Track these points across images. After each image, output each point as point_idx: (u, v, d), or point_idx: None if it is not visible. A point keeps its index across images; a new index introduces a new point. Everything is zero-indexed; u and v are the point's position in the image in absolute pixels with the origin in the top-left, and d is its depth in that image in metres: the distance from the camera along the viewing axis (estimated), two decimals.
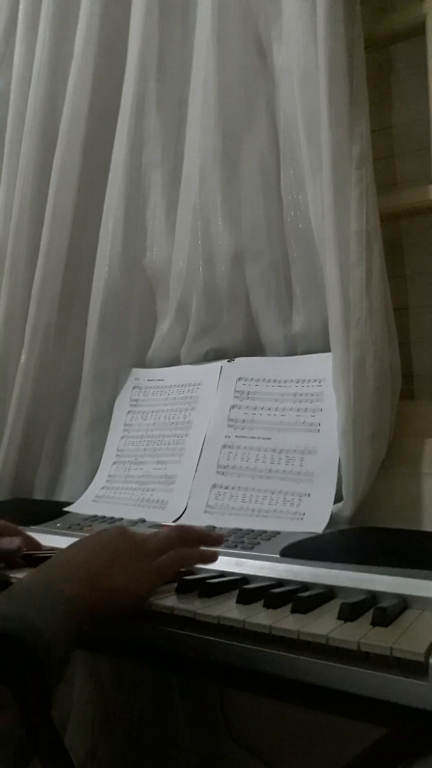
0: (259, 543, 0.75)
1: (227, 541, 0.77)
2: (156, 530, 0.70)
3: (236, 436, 0.96)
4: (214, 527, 0.84)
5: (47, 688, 0.45)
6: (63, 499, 1.13)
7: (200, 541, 0.69)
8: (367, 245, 0.88)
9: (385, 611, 0.51)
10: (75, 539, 0.83)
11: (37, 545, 0.80)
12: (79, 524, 0.92)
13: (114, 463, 1.07)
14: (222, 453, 0.96)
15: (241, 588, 0.60)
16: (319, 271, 0.97)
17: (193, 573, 0.67)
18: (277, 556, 0.70)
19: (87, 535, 0.65)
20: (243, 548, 0.74)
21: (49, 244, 1.18)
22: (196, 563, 0.66)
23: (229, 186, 1.04)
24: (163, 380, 1.11)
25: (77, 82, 1.19)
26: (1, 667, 0.43)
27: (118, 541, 0.61)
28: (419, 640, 0.47)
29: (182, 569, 0.66)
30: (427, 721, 0.45)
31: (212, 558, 0.68)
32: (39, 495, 1.19)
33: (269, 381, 0.99)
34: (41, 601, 0.50)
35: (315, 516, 0.84)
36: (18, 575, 0.71)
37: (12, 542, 0.74)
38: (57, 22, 1.26)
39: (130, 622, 0.60)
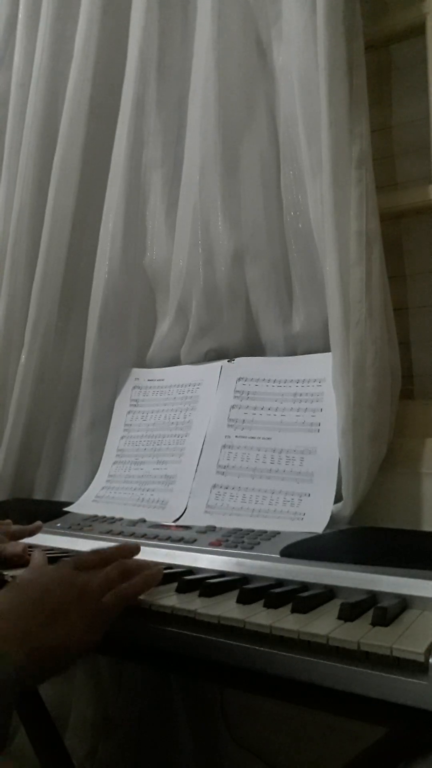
0: (259, 543, 0.75)
1: (227, 541, 0.77)
2: (103, 549, 0.65)
3: (236, 436, 0.96)
4: (214, 527, 0.84)
5: None
6: (63, 499, 1.13)
7: (140, 571, 0.63)
8: (367, 245, 0.88)
9: (385, 611, 0.51)
10: (75, 539, 0.84)
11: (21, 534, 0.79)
12: (79, 524, 0.92)
13: (114, 463, 1.07)
14: (222, 453, 0.96)
15: (241, 588, 0.60)
16: (319, 271, 0.97)
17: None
18: (277, 556, 0.70)
19: (24, 576, 0.60)
20: (243, 548, 0.73)
21: (49, 244, 1.18)
22: (142, 593, 0.60)
23: (229, 186, 1.04)
24: (163, 380, 1.11)
25: (77, 82, 1.19)
26: None
27: (58, 589, 0.56)
28: (419, 640, 0.47)
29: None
30: (427, 721, 0.45)
31: (157, 578, 0.63)
32: (39, 495, 1.19)
33: (269, 381, 0.99)
34: None
35: (315, 516, 0.84)
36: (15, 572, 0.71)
37: (16, 547, 0.73)
38: (57, 22, 1.26)
39: (130, 621, 0.60)
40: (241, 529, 0.82)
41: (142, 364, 1.16)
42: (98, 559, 0.63)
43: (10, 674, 0.46)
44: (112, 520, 0.93)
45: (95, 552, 0.64)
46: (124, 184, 1.14)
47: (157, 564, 0.65)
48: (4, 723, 0.45)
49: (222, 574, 0.68)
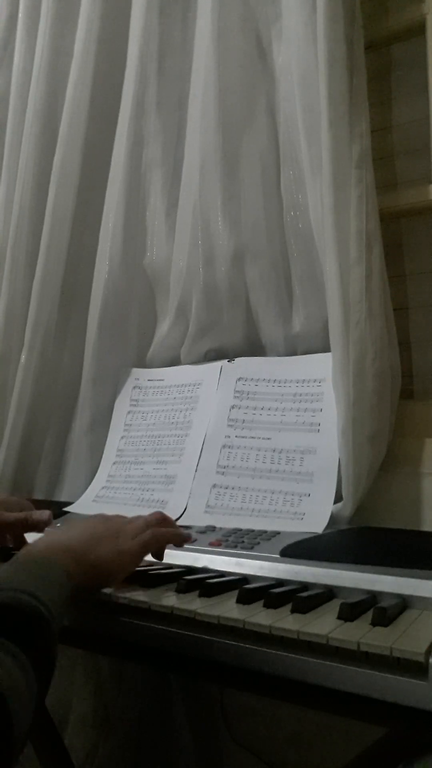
0: (259, 543, 0.75)
1: (227, 541, 0.77)
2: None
3: (236, 436, 0.96)
4: (214, 527, 0.84)
5: (52, 647, 0.51)
6: (63, 499, 1.13)
7: (175, 530, 0.76)
8: (367, 245, 0.88)
9: (385, 611, 0.51)
10: None
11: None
12: None
13: (114, 463, 1.07)
14: (222, 453, 0.96)
15: (241, 588, 0.60)
16: (319, 271, 0.97)
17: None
18: (277, 556, 0.70)
19: (75, 519, 0.74)
20: (243, 548, 0.74)
21: (49, 244, 1.18)
22: (173, 542, 0.73)
23: (229, 186, 1.04)
24: (163, 380, 1.11)
25: (77, 82, 1.19)
26: (14, 631, 0.48)
27: (99, 524, 0.69)
28: (419, 640, 0.47)
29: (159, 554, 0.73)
30: (427, 721, 0.45)
31: (186, 540, 0.75)
32: (39, 495, 1.19)
33: (269, 381, 0.99)
34: (40, 574, 0.57)
35: (315, 516, 0.84)
36: None
37: (43, 514, 0.81)
38: (57, 22, 1.26)
39: (130, 621, 0.60)
40: (241, 529, 0.82)
41: (142, 364, 1.16)
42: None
43: (64, 578, 0.58)
44: None
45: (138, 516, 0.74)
46: (124, 184, 1.14)
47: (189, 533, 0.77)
48: (62, 621, 0.55)
49: (222, 574, 0.68)
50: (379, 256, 0.90)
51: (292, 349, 1.02)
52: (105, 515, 0.72)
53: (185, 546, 0.75)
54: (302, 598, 0.56)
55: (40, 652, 0.49)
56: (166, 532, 0.72)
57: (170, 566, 0.71)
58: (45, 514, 0.81)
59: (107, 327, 1.14)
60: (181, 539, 0.74)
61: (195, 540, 0.78)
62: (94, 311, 1.15)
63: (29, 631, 0.49)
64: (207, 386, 1.04)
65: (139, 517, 0.72)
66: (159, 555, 0.72)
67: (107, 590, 0.64)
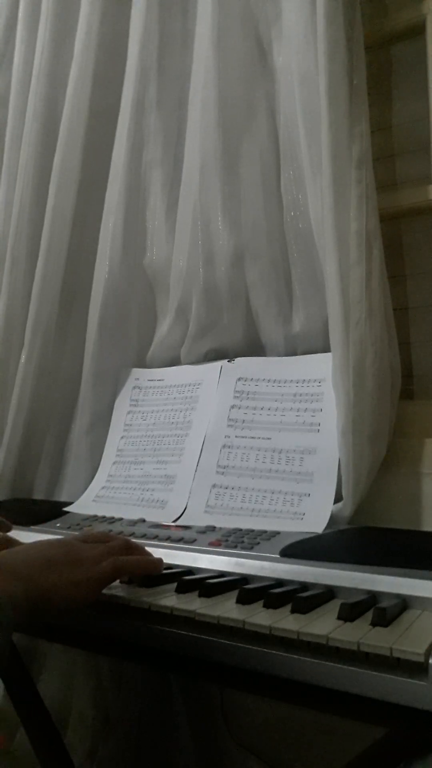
0: (259, 543, 0.75)
1: (227, 541, 0.77)
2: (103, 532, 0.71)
3: (236, 436, 0.96)
4: (214, 527, 0.84)
5: None
6: (63, 499, 1.13)
7: (140, 558, 0.68)
8: (367, 245, 0.88)
9: (385, 611, 0.51)
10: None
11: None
12: (78, 524, 0.92)
13: (114, 463, 1.07)
14: (222, 453, 0.96)
15: (241, 588, 0.60)
16: (319, 271, 0.97)
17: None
18: (277, 556, 0.70)
19: (33, 542, 0.66)
20: (243, 548, 0.73)
21: (49, 244, 1.18)
22: (137, 572, 0.65)
23: (229, 186, 1.04)
24: (163, 380, 1.11)
25: (77, 82, 1.19)
26: None
27: (55, 548, 0.62)
28: (419, 640, 0.47)
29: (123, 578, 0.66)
30: (427, 721, 0.45)
31: (156, 566, 0.67)
32: (39, 495, 1.19)
33: (269, 381, 0.99)
34: None
35: (315, 516, 0.84)
36: None
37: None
38: (57, 22, 1.26)
39: (130, 621, 0.60)
40: (240, 529, 0.82)
41: (142, 364, 1.16)
42: (105, 536, 0.69)
43: (8, 608, 0.52)
44: (112, 520, 0.93)
45: (104, 533, 0.70)
46: (124, 184, 1.14)
47: (158, 561, 0.68)
48: (5, 646, 0.50)
49: (222, 574, 0.68)
50: (379, 256, 0.90)
51: (292, 349, 1.02)
52: (63, 539, 0.65)
53: (185, 546, 0.75)
54: (302, 598, 0.56)
55: None
56: (130, 560, 0.65)
57: (170, 566, 0.71)
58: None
59: (107, 327, 1.14)
60: (147, 568, 0.66)
61: (162, 566, 0.69)
62: (94, 311, 1.15)
63: None
64: (207, 386, 1.04)
65: (100, 544, 0.65)
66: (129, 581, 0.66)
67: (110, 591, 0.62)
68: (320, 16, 0.89)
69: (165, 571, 0.68)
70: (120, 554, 0.64)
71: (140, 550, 0.68)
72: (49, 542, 0.64)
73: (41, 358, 1.18)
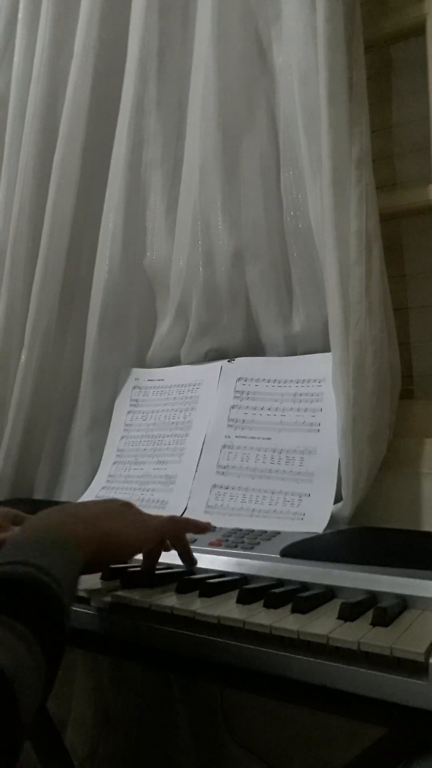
0: (259, 543, 0.75)
1: (227, 541, 0.77)
2: None
3: (236, 436, 0.96)
4: (214, 527, 0.84)
5: (60, 622, 0.47)
6: (63, 499, 1.13)
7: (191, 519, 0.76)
8: (366, 245, 0.88)
9: (385, 611, 0.51)
10: None
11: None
12: None
13: (114, 463, 1.07)
14: (222, 453, 0.96)
15: (241, 588, 0.60)
16: (319, 271, 0.97)
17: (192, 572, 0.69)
18: (277, 556, 0.70)
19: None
20: (243, 548, 0.73)
21: (49, 244, 1.18)
22: (191, 529, 0.72)
23: (229, 186, 1.04)
24: (163, 380, 1.11)
25: (77, 82, 1.19)
26: (20, 606, 0.44)
27: (114, 504, 0.66)
28: (419, 640, 0.47)
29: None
30: (427, 721, 0.45)
31: (207, 527, 0.74)
32: (39, 495, 1.19)
33: (269, 381, 0.99)
34: (45, 544, 0.53)
35: (315, 516, 0.84)
36: None
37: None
38: (57, 22, 1.26)
39: (130, 621, 0.60)
40: (241, 529, 0.82)
41: (142, 364, 1.16)
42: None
43: (75, 549, 0.54)
44: None
45: None
46: (124, 184, 1.14)
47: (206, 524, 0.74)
48: (71, 592, 0.51)
49: (222, 574, 0.68)
50: (379, 256, 0.90)
51: (292, 349, 1.02)
52: (120, 500, 0.69)
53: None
54: (302, 598, 0.56)
55: (48, 628, 0.45)
56: (185, 519, 0.72)
57: (170, 566, 0.71)
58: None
59: (107, 327, 1.14)
60: (199, 526, 0.73)
61: (214, 529, 0.78)
62: (94, 311, 1.15)
63: (34, 605, 0.45)
64: (207, 386, 1.04)
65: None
66: (180, 544, 0.69)
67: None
68: (320, 16, 0.89)
69: (165, 571, 0.68)
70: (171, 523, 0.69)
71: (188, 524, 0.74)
72: (109, 499, 0.68)
73: (41, 358, 1.18)
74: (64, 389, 1.20)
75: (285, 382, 0.97)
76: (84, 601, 0.63)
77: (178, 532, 0.69)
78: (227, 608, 0.56)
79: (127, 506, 0.66)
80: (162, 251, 1.13)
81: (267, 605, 0.56)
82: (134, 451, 1.06)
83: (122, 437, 1.09)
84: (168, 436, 1.04)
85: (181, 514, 0.92)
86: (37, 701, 0.41)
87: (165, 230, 1.13)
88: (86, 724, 1.11)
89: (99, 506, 0.64)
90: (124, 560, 0.62)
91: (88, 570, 0.57)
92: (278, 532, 0.79)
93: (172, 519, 0.68)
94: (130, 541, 0.62)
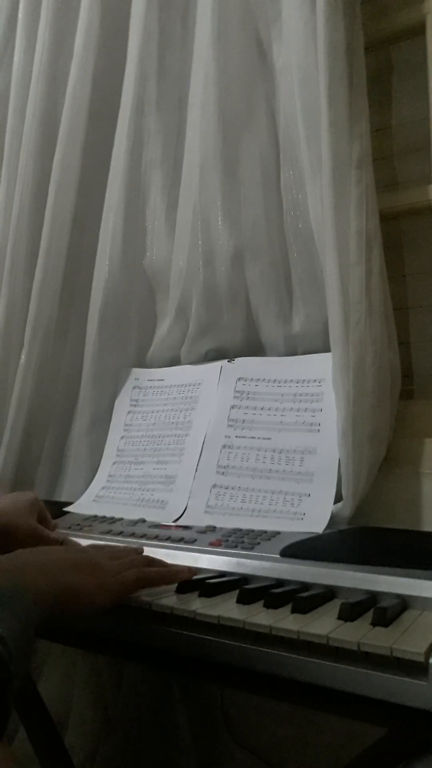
0: (259, 543, 0.75)
1: (227, 541, 0.77)
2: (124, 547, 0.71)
3: (236, 436, 0.96)
4: (214, 527, 0.84)
5: (5, 689, 0.41)
6: (63, 499, 1.13)
7: (163, 569, 0.67)
8: (367, 245, 0.88)
9: (385, 611, 0.51)
10: (75, 539, 0.84)
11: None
12: (79, 524, 0.92)
13: (114, 463, 1.07)
14: (222, 453, 0.96)
15: (241, 588, 0.60)
16: (319, 271, 0.97)
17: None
18: (277, 556, 0.70)
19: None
20: (243, 548, 0.73)
21: (49, 244, 1.18)
22: (161, 583, 0.64)
23: (229, 186, 1.04)
24: (163, 380, 1.11)
25: (77, 82, 1.19)
26: None
27: (78, 553, 0.62)
28: (419, 640, 0.47)
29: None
30: (427, 721, 0.45)
31: (177, 575, 0.65)
32: (39, 495, 1.18)
33: (269, 381, 0.99)
34: (2, 604, 0.47)
35: (315, 516, 0.84)
36: None
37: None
38: (57, 22, 1.26)
39: (130, 621, 0.60)
40: (241, 529, 0.82)
41: (142, 364, 1.16)
42: (125, 552, 0.68)
43: (31, 605, 0.49)
44: (112, 520, 0.93)
45: (124, 548, 0.70)
46: (124, 184, 1.14)
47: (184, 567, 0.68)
48: (21, 654, 0.45)
49: (222, 574, 0.68)
50: (379, 256, 0.90)
51: (292, 349, 1.02)
52: (84, 547, 0.65)
53: (185, 546, 0.75)
54: (302, 598, 0.56)
55: None
56: (153, 572, 0.64)
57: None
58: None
59: (107, 327, 1.14)
60: (169, 578, 0.65)
61: (194, 573, 0.68)
62: (94, 311, 1.15)
63: None
64: (207, 386, 1.04)
65: (123, 555, 0.66)
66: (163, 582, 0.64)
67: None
68: (320, 16, 0.89)
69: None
70: (142, 566, 0.64)
71: (161, 564, 0.68)
72: (72, 547, 0.64)
73: (41, 359, 1.18)
74: (64, 389, 1.20)
75: (285, 382, 0.97)
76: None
77: (144, 585, 0.63)
78: (227, 608, 0.56)
79: (90, 557, 0.62)
80: (162, 251, 1.13)
81: (267, 605, 0.56)
82: (134, 451, 1.06)
83: (122, 437, 1.09)
84: (168, 436, 1.04)
85: (181, 515, 0.92)
86: None
87: (165, 230, 1.13)
88: (86, 724, 1.11)
89: (62, 557, 0.59)
90: (85, 613, 0.57)
91: (41, 628, 0.51)
92: (278, 532, 0.79)
93: (139, 577, 0.61)
94: (90, 601, 0.56)
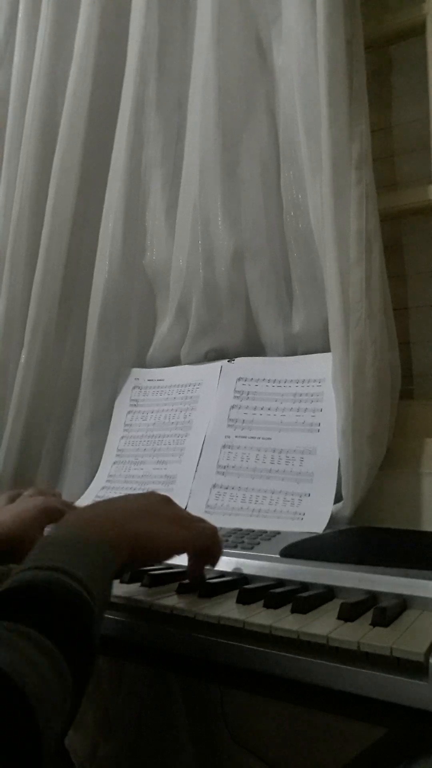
0: (259, 543, 0.75)
1: (227, 541, 0.77)
2: None
3: (236, 436, 0.96)
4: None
5: (90, 635, 0.42)
6: (63, 498, 1.13)
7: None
8: (367, 245, 0.88)
9: (385, 611, 0.51)
10: None
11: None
12: None
13: (114, 463, 1.07)
14: (222, 453, 0.96)
15: (241, 588, 0.60)
16: (319, 271, 0.97)
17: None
18: (277, 556, 0.70)
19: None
20: (243, 548, 0.73)
21: (49, 244, 1.18)
22: (219, 548, 0.64)
23: (229, 186, 1.04)
24: (163, 380, 1.11)
25: (77, 82, 1.19)
26: (42, 618, 0.40)
27: (154, 498, 0.61)
28: (419, 640, 0.47)
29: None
30: (427, 721, 0.45)
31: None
32: None
33: (269, 381, 0.99)
34: (75, 547, 0.49)
35: (315, 516, 0.84)
36: None
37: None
38: (57, 22, 1.26)
39: (130, 621, 0.60)
40: (241, 529, 0.82)
41: (142, 364, 1.16)
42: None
43: (107, 552, 0.50)
44: None
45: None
46: (124, 184, 1.14)
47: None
48: (103, 599, 0.46)
49: (222, 574, 0.68)
50: (379, 256, 0.90)
51: (292, 349, 1.02)
52: (159, 495, 0.63)
53: None
54: (302, 598, 0.56)
55: (76, 642, 0.40)
56: (219, 543, 0.64)
57: (170, 566, 0.71)
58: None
59: (107, 327, 1.14)
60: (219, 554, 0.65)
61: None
62: (94, 311, 1.15)
63: (61, 616, 0.40)
64: (207, 386, 1.04)
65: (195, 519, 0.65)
66: (199, 561, 0.63)
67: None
68: (320, 16, 0.89)
69: (164, 572, 0.68)
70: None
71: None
72: (143, 494, 0.63)
73: (41, 359, 1.18)
74: (64, 389, 1.20)
75: (285, 382, 0.97)
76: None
77: (210, 548, 0.63)
78: (227, 608, 0.56)
79: (165, 503, 0.62)
80: (162, 251, 1.13)
81: (267, 605, 0.56)
82: (134, 450, 1.06)
83: (122, 437, 1.09)
84: (168, 436, 1.04)
85: None
86: (60, 727, 0.37)
87: (165, 230, 1.13)
88: (86, 724, 1.11)
89: (133, 504, 0.59)
90: (159, 562, 0.58)
91: (120, 573, 0.53)
92: (278, 532, 0.79)
93: (214, 532, 0.62)
94: (164, 544, 0.58)
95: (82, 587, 0.43)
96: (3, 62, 1.41)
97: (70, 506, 0.80)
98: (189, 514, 0.64)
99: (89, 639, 0.42)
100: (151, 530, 0.56)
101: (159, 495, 0.63)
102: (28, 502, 0.76)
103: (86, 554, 0.48)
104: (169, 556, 0.59)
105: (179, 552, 0.60)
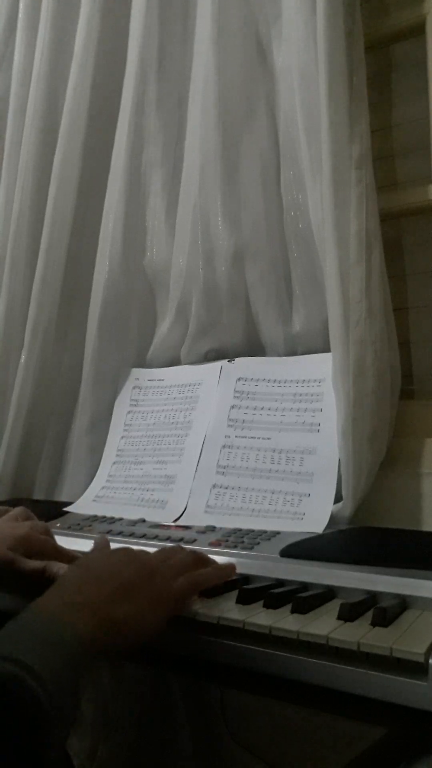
0: (259, 543, 0.75)
1: (227, 541, 0.77)
2: (168, 546, 0.66)
3: (236, 436, 0.96)
4: (214, 527, 0.84)
5: (49, 740, 0.38)
6: (63, 499, 1.13)
7: (210, 570, 0.65)
8: (367, 245, 0.88)
9: (385, 611, 0.51)
10: (75, 539, 0.84)
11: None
12: (79, 524, 0.92)
13: (114, 462, 1.07)
14: (222, 453, 0.96)
15: (241, 588, 0.60)
16: (319, 271, 0.97)
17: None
18: (277, 556, 0.70)
19: (94, 552, 0.63)
20: (243, 548, 0.73)
21: (49, 244, 1.18)
22: (214, 582, 0.61)
23: (229, 186, 1.04)
24: (163, 380, 1.11)
25: (77, 81, 1.19)
26: None
27: (125, 566, 0.57)
28: (419, 641, 0.47)
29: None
30: (427, 721, 0.45)
31: (229, 572, 0.64)
32: (39, 495, 1.19)
33: (269, 381, 0.99)
34: (41, 636, 0.45)
35: (315, 516, 0.84)
36: None
37: (61, 568, 0.67)
38: (57, 22, 1.26)
39: None
40: (241, 529, 0.82)
41: (142, 364, 1.16)
42: (172, 551, 0.64)
43: (75, 644, 0.46)
44: (112, 520, 0.93)
45: (172, 548, 0.66)
46: (124, 184, 1.14)
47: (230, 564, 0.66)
48: (75, 692, 0.43)
49: None
50: (379, 256, 0.90)
51: (292, 349, 1.02)
52: (131, 552, 0.60)
53: (186, 546, 0.75)
54: (302, 598, 0.56)
55: (22, 748, 0.36)
56: (204, 573, 0.61)
57: None
58: (63, 568, 0.66)
59: (107, 327, 1.14)
60: (222, 577, 0.62)
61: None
62: (94, 311, 1.15)
63: (8, 717, 0.37)
64: (207, 386, 1.04)
65: (175, 553, 0.62)
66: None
67: None
68: (320, 16, 0.89)
69: None
70: (193, 568, 0.61)
71: (210, 560, 0.65)
72: (119, 559, 0.58)
73: (41, 359, 1.18)
74: (64, 389, 1.20)
75: (285, 382, 0.97)
76: None
77: (202, 588, 0.60)
78: (227, 608, 0.56)
79: (141, 569, 0.57)
80: (162, 251, 1.13)
81: (267, 605, 0.56)
82: (134, 450, 1.06)
83: (122, 437, 1.09)
84: (168, 436, 1.04)
85: (181, 515, 0.92)
86: None
87: (165, 230, 1.13)
88: (86, 725, 1.11)
89: (110, 581, 0.53)
90: (137, 646, 0.53)
91: (90, 665, 0.48)
92: (278, 532, 0.79)
93: (191, 582, 0.58)
94: (145, 629, 0.53)
95: (36, 682, 0.39)
96: (3, 62, 1.41)
97: (50, 534, 0.76)
98: (167, 568, 0.59)
99: (40, 736, 0.38)
100: (126, 616, 0.51)
101: (132, 556, 0.59)
102: (11, 529, 0.73)
103: (51, 643, 0.44)
104: (142, 642, 0.54)
105: (152, 637, 0.54)
